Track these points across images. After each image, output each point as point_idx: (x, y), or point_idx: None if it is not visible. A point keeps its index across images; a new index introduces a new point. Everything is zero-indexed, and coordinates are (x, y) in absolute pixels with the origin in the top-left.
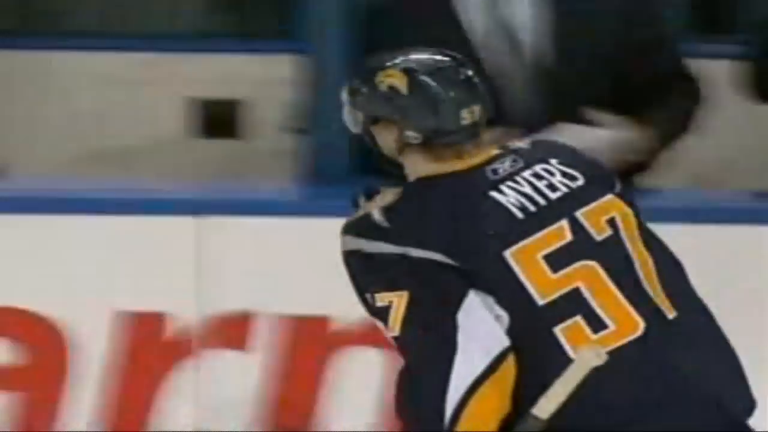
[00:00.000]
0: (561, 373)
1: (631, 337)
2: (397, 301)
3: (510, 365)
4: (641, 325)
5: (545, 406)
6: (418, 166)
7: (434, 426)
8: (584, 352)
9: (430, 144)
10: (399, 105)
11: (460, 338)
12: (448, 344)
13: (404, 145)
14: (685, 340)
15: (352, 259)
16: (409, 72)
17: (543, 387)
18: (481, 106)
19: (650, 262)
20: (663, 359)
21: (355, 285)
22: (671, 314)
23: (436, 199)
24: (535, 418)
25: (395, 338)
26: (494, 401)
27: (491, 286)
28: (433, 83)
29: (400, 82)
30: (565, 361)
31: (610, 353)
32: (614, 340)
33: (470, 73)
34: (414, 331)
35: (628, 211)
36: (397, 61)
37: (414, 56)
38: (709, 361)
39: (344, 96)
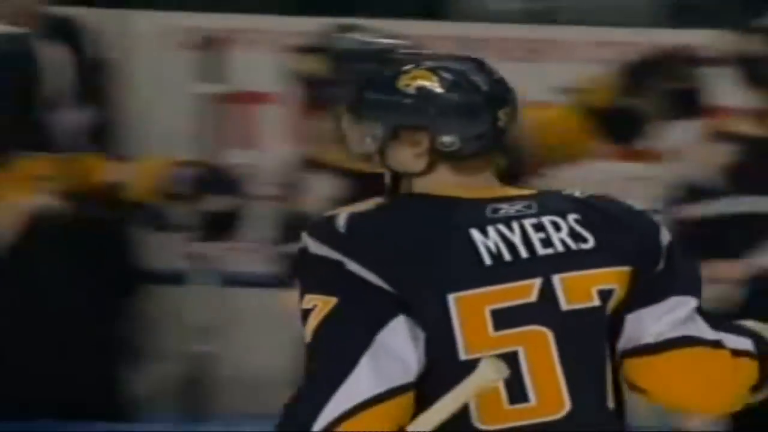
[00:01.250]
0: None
1: (547, 418)
2: (321, 306)
3: (403, 404)
4: (566, 407)
5: (425, 419)
6: (438, 182)
7: None
8: (484, 363)
9: (464, 151)
10: (432, 107)
11: (365, 359)
12: (350, 360)
13: (435, 157)
14: None
15: (299, 257)
16: (438, 71)
17: None
18: (513, 108)
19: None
20: None
21: (298, 285)
22: (611, 404)
23: (408, 220)
24: None
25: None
26: (371, 430)
27: (422, 324)
28: (468, 81)
29: (431, 82)
30: (466, 427)
31: (515, 429)
32: (527, 415)
33: (498, 72)
34: (321, 342)
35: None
36: (418, 63)
37: (434, 59)
38: None
39: (351, 112)
